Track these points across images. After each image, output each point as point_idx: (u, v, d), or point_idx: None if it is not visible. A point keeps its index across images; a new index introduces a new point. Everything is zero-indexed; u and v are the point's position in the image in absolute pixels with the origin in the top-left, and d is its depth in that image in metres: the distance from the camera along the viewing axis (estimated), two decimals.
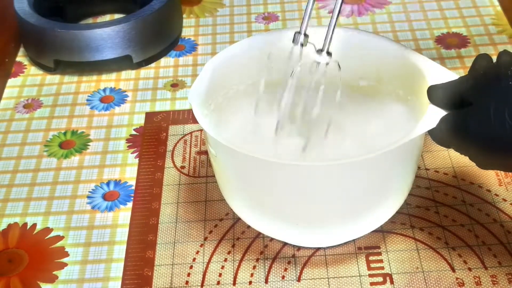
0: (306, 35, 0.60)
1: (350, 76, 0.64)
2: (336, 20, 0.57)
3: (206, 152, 0.73)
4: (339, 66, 0.59)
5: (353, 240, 0.63)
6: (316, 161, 0.60)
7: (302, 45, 0.60)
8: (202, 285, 0.61)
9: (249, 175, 0.57)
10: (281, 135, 0.62)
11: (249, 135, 0.63)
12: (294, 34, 0.60)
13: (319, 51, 0.58)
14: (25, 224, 0.67)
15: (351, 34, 0.64)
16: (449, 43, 0.86)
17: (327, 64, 0.58)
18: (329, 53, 0.58)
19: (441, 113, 0.53)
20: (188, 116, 0.77)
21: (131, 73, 0.85)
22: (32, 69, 0.86)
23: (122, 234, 0.65)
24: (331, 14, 0.57)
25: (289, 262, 0.62)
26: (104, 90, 0.82)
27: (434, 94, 0.54)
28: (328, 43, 0.58)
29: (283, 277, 0.61)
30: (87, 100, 0.81)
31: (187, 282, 0.61)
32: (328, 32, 0.57)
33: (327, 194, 0.56)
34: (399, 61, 0.61)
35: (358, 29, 0.64)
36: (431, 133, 0.53)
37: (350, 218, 0.58)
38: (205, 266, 0.62)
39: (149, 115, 0.78)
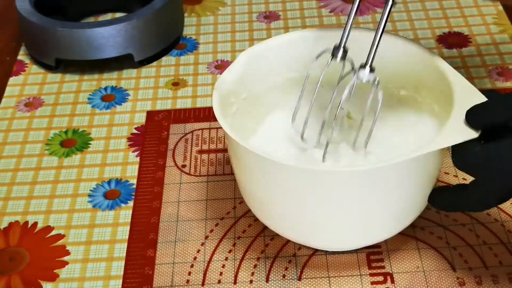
0: (345, 51, 0.58)
1: (392, 84, 0.63)
2: (380, 36, 0.55)
3: (207, 151, 0.73)
4: (377, 82, 0.57)
5: None
6: (322, 165, 0.59)
7: (341, 58, 0.58)
8: (203, 284, 0.61)
9: (268, 178, 0.56)
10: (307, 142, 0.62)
11: (273, 136, 0.63)
12: (333, 48, 0.58)
13: (362, 67, 0.56)
14: (26, 222, 0.67)
15: (394, 40, 0.61)
16: (450, 42, 0.86)
17: (369, 81, 0.56)
18: (372, 69, 0.56)
19: (458, 135, 0.51)
20: (189, 115, 0.77)
21: (133, 72, 0.85)
22: (34, 68, 0.86)
23: (123, 232, 0.65)
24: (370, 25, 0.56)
25: (290, 261, 0.62)
26: (106, 88, 0.82)
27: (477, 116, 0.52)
28: (372, 59, 0.56)
29: (284, 276, 0.61)
30: (88, 98, 0.81)
31: (188, 281, 0.61)
32: (372, 47, 0.55)
33: (339, 200, 0.55)
34: (436, 75, 0.59)
35: (400, 36, 0.62)
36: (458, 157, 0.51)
37: (360, 227, 0.57)
38: (206, 265, 0.62)
39: (150, 114, 0.78)
